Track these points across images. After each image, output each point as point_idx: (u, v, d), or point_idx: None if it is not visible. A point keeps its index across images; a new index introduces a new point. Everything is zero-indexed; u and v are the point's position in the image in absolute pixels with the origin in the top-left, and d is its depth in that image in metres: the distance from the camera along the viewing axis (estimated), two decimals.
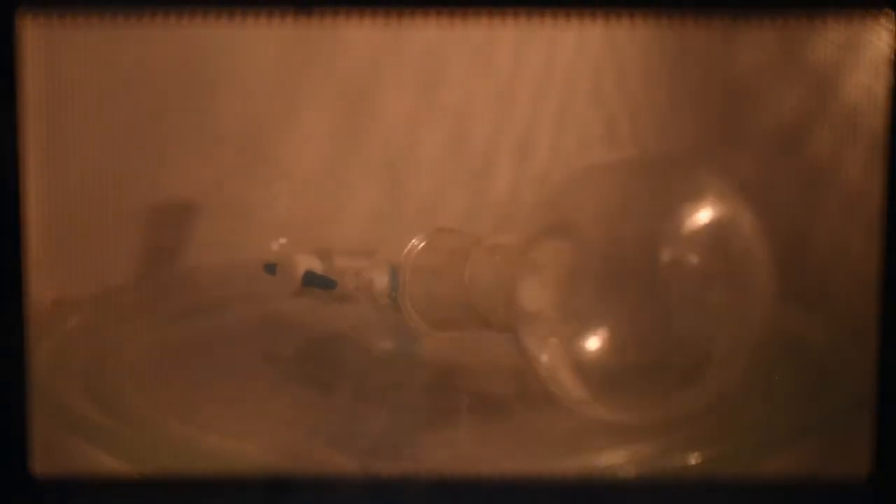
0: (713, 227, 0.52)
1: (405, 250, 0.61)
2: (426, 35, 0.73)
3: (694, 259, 0.52)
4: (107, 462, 0.50)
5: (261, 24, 0.45)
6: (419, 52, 0.74)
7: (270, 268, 0.66)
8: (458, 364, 0.63)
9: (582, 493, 0.47)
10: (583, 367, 0.52)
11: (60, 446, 0.51)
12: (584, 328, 0.52)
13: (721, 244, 0.52)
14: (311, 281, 0.65)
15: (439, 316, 0.60)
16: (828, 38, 0.51)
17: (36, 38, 0.45)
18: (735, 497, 0.47)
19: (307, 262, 0.66)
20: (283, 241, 0.69)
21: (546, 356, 0.53)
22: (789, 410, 0.55)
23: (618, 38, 0.77)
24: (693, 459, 0.51)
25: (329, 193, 0.75)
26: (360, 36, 0.73)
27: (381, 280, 0.62)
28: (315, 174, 0.75)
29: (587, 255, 0.53)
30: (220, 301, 0.68)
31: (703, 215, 0.52)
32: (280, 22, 0.45)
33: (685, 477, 0.50)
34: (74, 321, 0.62)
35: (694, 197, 0.53)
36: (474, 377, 0.62)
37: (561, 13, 0.45)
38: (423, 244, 0.61)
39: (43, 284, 0.48)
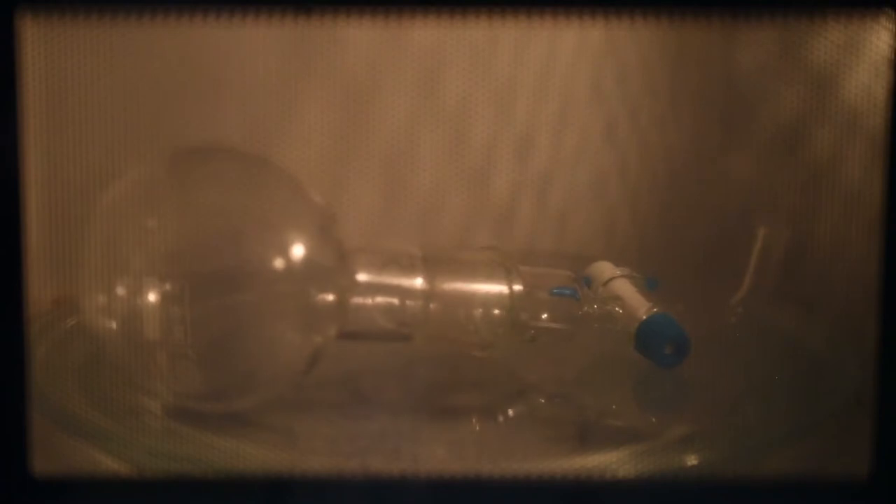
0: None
1: None
2: (426, 35, 0.73)
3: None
4: (106, 462, 0.50)
5: (261, 24, 0.45)
6: (419, 53, 0.74)
7: (586, 280, 0.64)
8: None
9: (582, 493, 0.47)
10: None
11: (60, 446, 0.51)
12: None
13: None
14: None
15: None
16: (828, 38, 0.51)
17: (36, 38, 0.45)
18: (735, 497, 0.47)
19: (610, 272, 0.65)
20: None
21: None
22: (789, 410, 0.55)
23: (618, 38, 0.77)
24: (693, 459, 0.51)
25: (329, 193, 0.75)
26: (360, 36, 0.72)
27: None
28: (315, 174, 0.75)
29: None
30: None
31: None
32: (280, 22, 0.45)
33: (685, 477, 0.50)
34: (73, 321, 0.62)
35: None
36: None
37: (561, 13, 0.45)
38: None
39: (43, 284, 0.48)
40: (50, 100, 0.48)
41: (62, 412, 0.53)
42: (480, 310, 0.60)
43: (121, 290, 0.54)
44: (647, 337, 0.60)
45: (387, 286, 0.59)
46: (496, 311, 0.60)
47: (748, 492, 0.47)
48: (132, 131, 0.60)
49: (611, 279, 0.63)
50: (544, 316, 0.60)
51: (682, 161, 0.78)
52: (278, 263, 0.54)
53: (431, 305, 0.59)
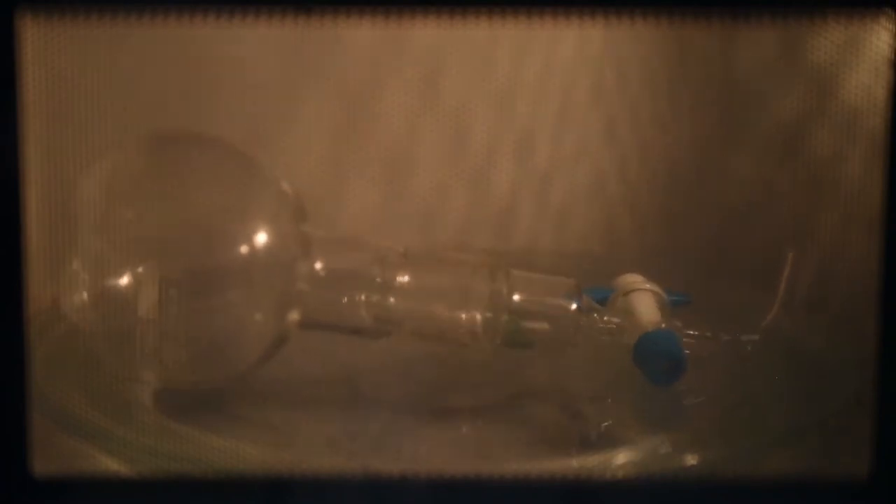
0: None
1: None
2: (426, 35, 0.73)
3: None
4: (106, 462, 0.50)
5: (261, 24, 0.45)
6: (419, 53, 0.74)
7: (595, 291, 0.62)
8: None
9: (582, 493, 0.47)
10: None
11: (60, 446, 0.51)
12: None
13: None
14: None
15: None
16: (828, 38, 0.51)
17: (36, 38, 0.45)
18: (735, 497, 0.47)
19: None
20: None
21: None
22: (789, 410, 0.55)
23: (618, 38, 0.77)
24: (693, 459, 0.51)
25: (329, 193, 0.75)
26: (360, 36, 0.73)
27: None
28: (315, 174, 0.75)
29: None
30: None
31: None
32: (280, 22, 0.45)
33: (685, 477, 0.50)
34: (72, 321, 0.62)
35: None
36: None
37: (561, 13, 0.45)
38: None
39: (43, 284, 0.48)
40: (50, 100, 0.48)
41: (62, 412, 0.53)
42: (461, 310, 0.59)
43: (93, 278, 0.55)
44: (645, 351, 0.60)
45: (363, 280, 0.59)
46: (478, 313, 0.59)
47: (748, 492, 0.47)
48: (132, 131, 0.60)
49: (631, 291, 0.63)
50: (543, 323, 0.60)
51: (682, 161, 0.78)
52: (240, 250, 0.55)
53: (411, 302, 0.59)
